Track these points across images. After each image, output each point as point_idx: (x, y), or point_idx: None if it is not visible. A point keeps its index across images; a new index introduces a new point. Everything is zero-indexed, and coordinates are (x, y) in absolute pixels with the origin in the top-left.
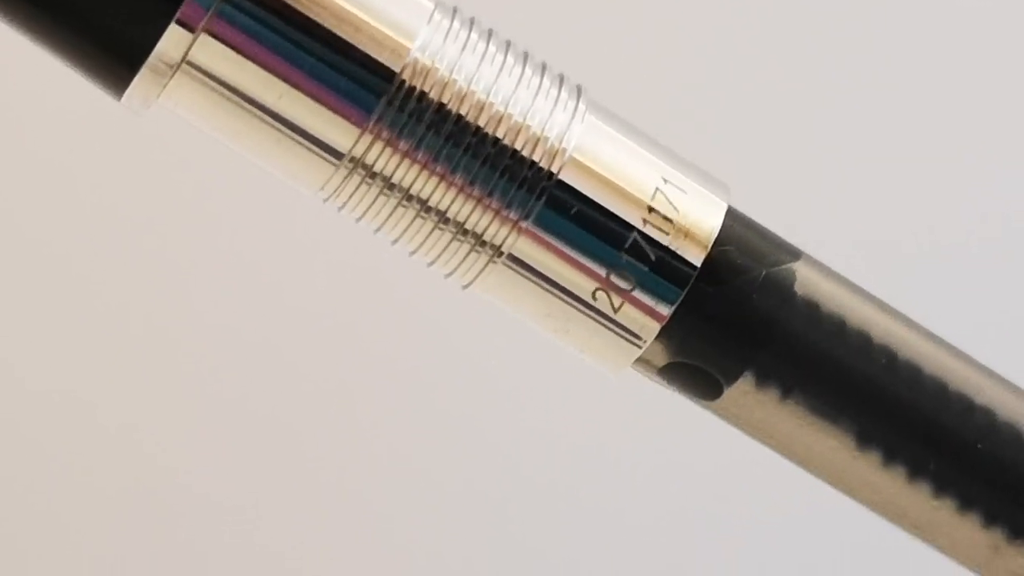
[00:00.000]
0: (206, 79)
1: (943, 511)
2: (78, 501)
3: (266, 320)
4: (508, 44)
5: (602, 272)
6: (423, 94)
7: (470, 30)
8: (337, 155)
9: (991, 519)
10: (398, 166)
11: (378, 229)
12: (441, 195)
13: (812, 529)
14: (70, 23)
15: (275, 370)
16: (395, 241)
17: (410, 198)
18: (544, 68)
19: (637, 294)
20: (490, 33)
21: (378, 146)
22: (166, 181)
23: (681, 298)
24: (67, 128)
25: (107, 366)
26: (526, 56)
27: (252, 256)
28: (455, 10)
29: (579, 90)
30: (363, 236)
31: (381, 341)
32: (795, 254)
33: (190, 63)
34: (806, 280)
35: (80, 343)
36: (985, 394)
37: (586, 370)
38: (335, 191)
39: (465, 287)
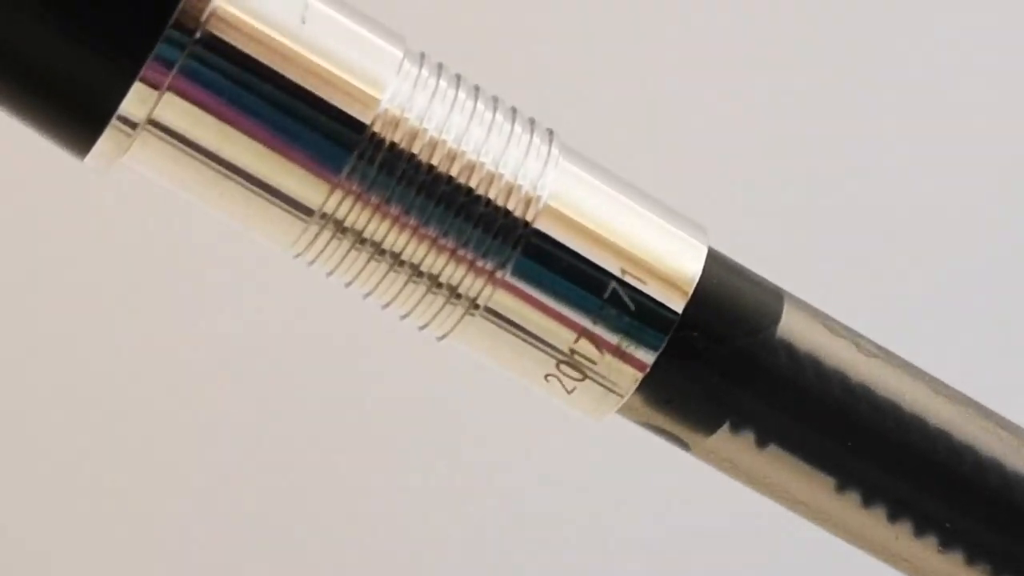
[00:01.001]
0: (171, 138)
1: (926, 550)
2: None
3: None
4: (477, 89)
5: (582, 322)
6: (394, 145)
7: (439, 77)
8: (308, 211)
9: (974, 556)
10: (369, 220)
11: (349, 283)
12: (414, 248)
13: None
14: (30, 84)
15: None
16: (367, 295)
17: (382, 252)
18: (515, 113)
19: (618, 343)
20: (459, 79)
21: (349, 201)
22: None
23: (663, 346)
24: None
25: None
26: (496, 101)
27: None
28: (423, 56)
29: (551, 135)
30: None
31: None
32: (777, 295)
33: (154, 122)
34: (787, 325)
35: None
36: (965, 431)
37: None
38: (306, 247)
39: (440, 339)
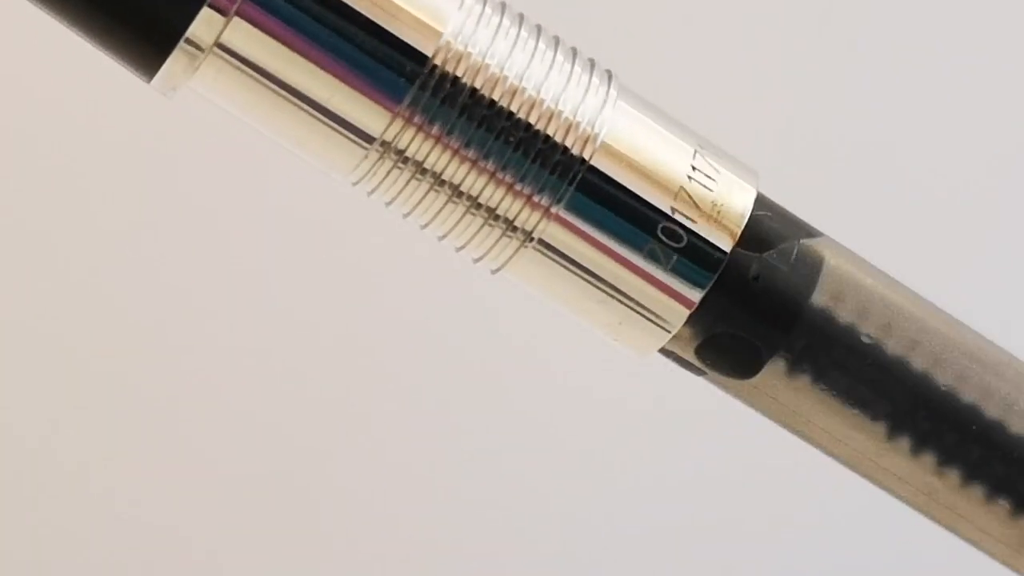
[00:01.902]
0: (237, 62)
1: (972, 499)
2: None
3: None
4: (539, 29)
5: (632, 258)
6: (456, 79)
7: (501, 15)
8: (368, 139)
9: (1019, 506)
10: (430, 151)
11: (408, 213)
12: (472, 180)
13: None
14: (102, 5)
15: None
16: (425, 225)
17: (441, 183)
18: (575, 53)
19: (667, 280)
20: (521, 18)
21: (410, 131)
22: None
23: (711, 283)
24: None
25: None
26: (557, 41)
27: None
28: None
29: (610, 75)
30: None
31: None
32: (821, 239)
33: (221, 46)
34: (830, 267)
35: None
36: (1009, 378)
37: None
38: (366, 175)
39: (495, 271)
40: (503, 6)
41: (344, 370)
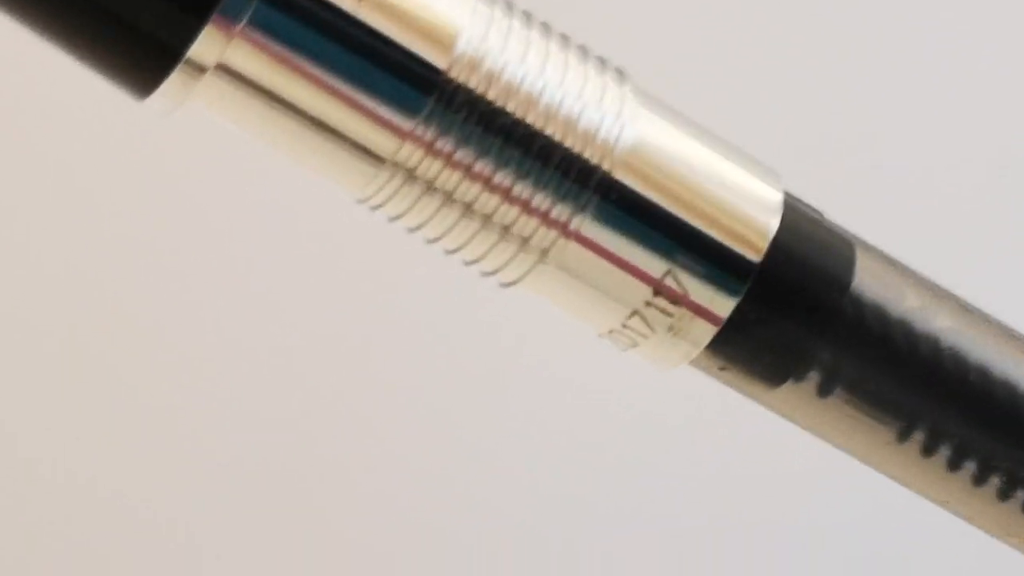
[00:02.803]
0: (241, 82)
1: (986, 496)
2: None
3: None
4: (548, 28)
5: (655, 274)
6: (471, 91)
7: (511, 18)
8: (379, 159)
9: None
10: (443, 168)
11: (416, 228)
12: (487, 197)
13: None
14: (99, 26)
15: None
16: (434, 240)
17: (454, 199)
18: (587, 54)
19: (692, 296)
20: (529, 17)
21: (421, 148)
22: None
23: (739, 299)
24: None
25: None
26: (568, 41)
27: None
28: None
29: (624, 77)
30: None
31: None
32: (850, 245)
33: (223, 66)
34: (862, 272)
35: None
36: None
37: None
38: (374, 193)
39: (507, 286)
40: (511, 7)
41: (344, 369)
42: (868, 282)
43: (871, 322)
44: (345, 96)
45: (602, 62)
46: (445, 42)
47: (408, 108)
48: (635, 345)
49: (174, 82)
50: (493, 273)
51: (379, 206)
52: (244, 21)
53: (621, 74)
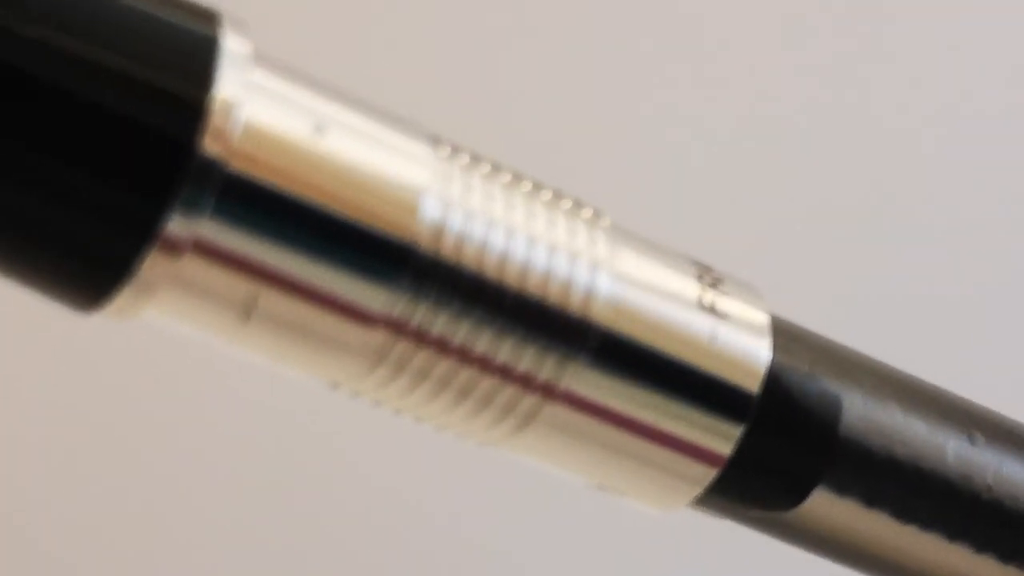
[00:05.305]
0: (195, 290)
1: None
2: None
3: None
4: (513, 175)
5: (651, 420)
6: (444, 263)
7: (473, 168)
8: (353, 351)
9: None
10: (415, 352)
11: (398, 412)
12: (464, 372)
13: None
14: (39, 245)
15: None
16: (399, 412)
17: (426, 377)
18: (558, 198)
19: (691, 438)
20: (494, 166)
21: (396, 336)
22: None
23: (740, 436)
24: None
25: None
26: (538, 187)
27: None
28: (452, 149)
29: (600, 217)
30: None
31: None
32: (836, 398)
33: (174, 278)
34: (855, 402)
35: None
36: None
37: None
38: (346, 381)
39: (489, 445)
40: (471, 156)
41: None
42: (856, 431)
43: (864, 470)
44: (314, 300)
45: (576, 202)
46: (408, 220)
47: (380, 292)
48: (639, 492)
49: (123, 299)
50: (471, 437)
51: (354, 395)
52: (193, 235)
53: (599, 214)
